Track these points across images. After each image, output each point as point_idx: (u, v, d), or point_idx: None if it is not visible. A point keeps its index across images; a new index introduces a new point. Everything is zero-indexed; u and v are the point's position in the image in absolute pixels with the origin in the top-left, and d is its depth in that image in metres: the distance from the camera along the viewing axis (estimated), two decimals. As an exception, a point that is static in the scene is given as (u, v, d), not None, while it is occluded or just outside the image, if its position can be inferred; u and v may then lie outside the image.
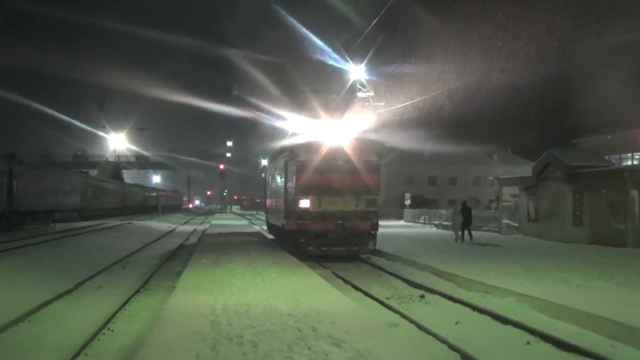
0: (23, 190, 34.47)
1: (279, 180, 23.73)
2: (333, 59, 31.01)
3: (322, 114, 26.39)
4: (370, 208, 19.65)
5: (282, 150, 24.13)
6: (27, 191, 35.27)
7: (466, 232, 25.51)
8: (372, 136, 22.60)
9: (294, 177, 19.78)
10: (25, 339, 9.41)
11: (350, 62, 30.51)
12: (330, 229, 19.02)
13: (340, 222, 18.97)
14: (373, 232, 19.88)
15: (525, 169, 33.25)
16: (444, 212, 41.89)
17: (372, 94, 31.97)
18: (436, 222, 40.67)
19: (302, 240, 19.43)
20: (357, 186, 19.37)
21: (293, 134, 28.38)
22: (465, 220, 25.49)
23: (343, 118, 26.49)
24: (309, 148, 19.88)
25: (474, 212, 33.16)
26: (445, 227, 36.37)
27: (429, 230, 36.38)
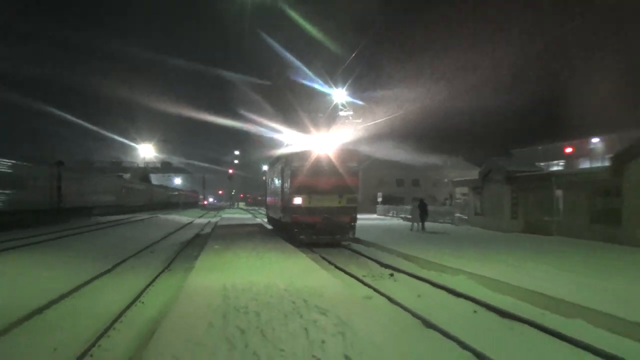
0: (69, 191, 34.29)
1: (277, 182, 23.70)
2: (319, 84, 31.09)
3: (311, 128, 26.48)
4: (350, 204, 19.74)
5: (279, 158, 24.09)
6: (72, 191, 35.08)
7: (423, 223, 25.63)
8: (352, 147, 22.62)
9: (289, 180, 19.88)
10: (72, 308, 9.40)
11: (333, 87, 30.53)
12: (318, 221, 19.19)
13: (326, 215, 19.17)
14: (352, 223, 19.95)
15: (473, 173, 33.35)
16: (408, 207, 41.97)
17: (351, 112, 31.98)
18: (402, 215, 40.75)
19: (295, 230, 19.54)
20: (340, 187, 19.48)
21: (288, 145, 28.34)
22: (422, 213, 25.64)
23: (328, 132, 26.57)
24: (301, 156, 19.93)
25: (432, 207, 33.31)
26: (409, 220, 36.49)
27: (397, 222, 36.43)
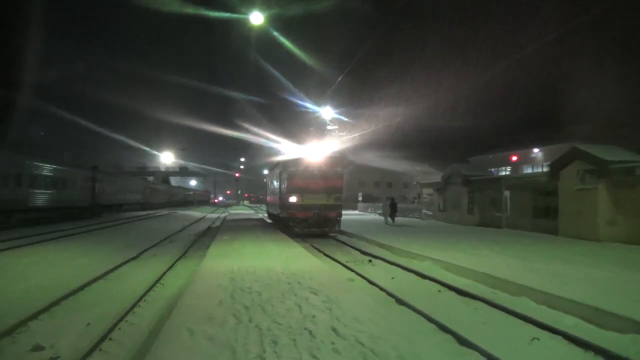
0: (102, 190, 34.06)
1: (276, 183, 23.67)
2: (310, 103, 31.13)
3: (304, 139, 26.59)
4: (336, 202, 19.85)
5: (278, 164, 24.15)
6: (104, 191, 34.85)
7: (393, 218, 25.84)
8: (338, 154, 22.71)
9: (286, 181, 19.91)
10: (103, 290, 9.27)
11: (321, 107, 30.53)
12: (310, 216, 19.31)
13: (316, 211, 19.30)
14: (339, 218, 20.08)
15: (437, 177, 33.46)
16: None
17: (336, 127, 32.02)
18: (379, 211, 40.73)
19: (291, 223, 19.59)
20: (328, 188, 19.60)
21: (285, 153, 28.33)
22: (392, 210, 25.80)
23: (319, 142, 26.59)
24: (296, 162, 20.03)
25: (404, 205, 33.33)
26: (383, 215, 36.48)
27: (374, 217, 36.43)
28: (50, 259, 12.05)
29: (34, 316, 6.98)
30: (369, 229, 21.74)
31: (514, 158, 47.47)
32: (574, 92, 35.13)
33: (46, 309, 7.42)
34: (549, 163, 20.71)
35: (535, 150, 45.79)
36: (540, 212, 20.15)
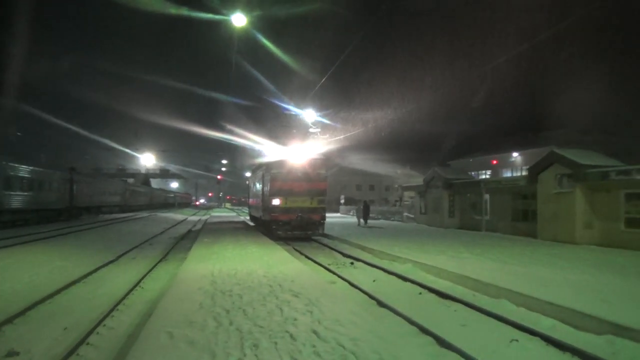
0: (80, 192, 33.46)
1: (258, 185, 23.39)
2: (292, 106, 30.95)
3: (287, 141, 26.38)
4: (320, 205, 19.58)
5: (261, 165, 23.81)
6: (82, 193, 34.24)
7: (365, 219, 27.24)
8: (322, 156, 22.48)
9: (269, 184, 19.59)
10: (81, 293, 9.09)
11: (303, 110, 30.39)
12: (293, 219, 19.02)
13: (300, 214, 19.00)
14: (322, 221, 19.82)
15: (419, 180, 33.75)
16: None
17: (319, 130, 31.93)
18: (351, 213, 40.92)
19: (274, 226, 19.27)
20: (312, 190, 19.34)
21: (267, 155, 28.09)
22: (365, 212, 26.98)
23: (302, 144, 26.41)
24: (279, 164, 19.67)
25: (385, 208, 33.53)
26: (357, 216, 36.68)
27: (355, 220, 36.55)
28: (26, 262, 11.76)
29: (9, 320, 6.81)
30: (350, 232, 21.79)
31: (494, 162, 48.27)
32: (554, 97, 35.89)
33: (21, 313, 7.24)
34: (528, 167, 21.06)
35: (515, 154, 46.58)
36: (519, 215, 20.47)
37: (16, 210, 23.64)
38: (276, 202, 19.11)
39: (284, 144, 26.14)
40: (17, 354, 5.59)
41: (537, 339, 6.01)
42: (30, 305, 7.62)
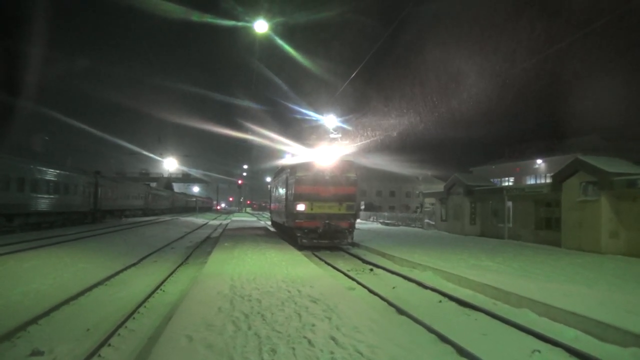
0: (104, 196, 34.13)
1: (281, 189, 22.25)
2: (313, 111, 30.99)
3: (314, 143, 25.49)
4: (349, 211, 18.11)
5: (284, 168, 22.68)
6: (107, 196, 34.91)
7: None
8: (350, 158, 21.35)
9: (293, 188, 18.35)
10: (103, 295, 9.28)
11: (324, 115, 30.34)
12: (319, 227, 17.61)
13: (327, 221, 17.61)
14: (351, 229, 18.30)
15: (440, 187, 33.45)
16: (385, 213, 42.01)
17: (339, 135, 31.88)
18: (380, 220, 40.78)
19: (298, 234, 17.90)
20: (340, 195, 18.05)
21: (291, 155, 27.55)
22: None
23: (328, 146, 25.94)
24: (304, 167, 18.50)
25: (405, 214, 33.20)
26: (387, 224, 36.47)
27: (376, 226, 36.40)
28: (51, 264, 12.06)
29: (34, 321, 6.98)
30: (371, 238, 21.68)
31: (517, 169, 47.50)
32: (578, 104, 35.13)
33: (46, 313, 7.42)
34: (551, 174, 20.67)
35: (539, 161, 45.76)
36: (542, 224, 20.10)
37: (42, 213, 24.26)
38: (301, 207, 17.80)
39: (307, 146, 25.62)
40: (42, 353, 5.73)
41: (560, 349, 5.87)
42: (54, 306, 7.81)
